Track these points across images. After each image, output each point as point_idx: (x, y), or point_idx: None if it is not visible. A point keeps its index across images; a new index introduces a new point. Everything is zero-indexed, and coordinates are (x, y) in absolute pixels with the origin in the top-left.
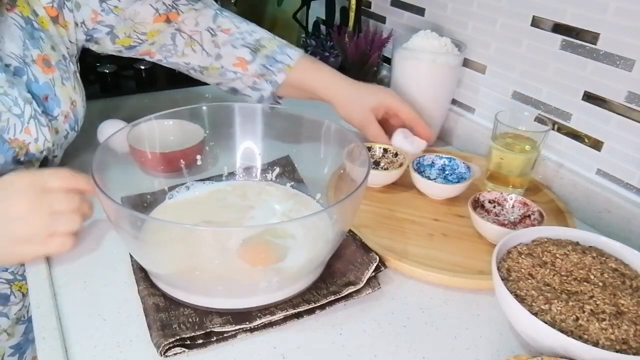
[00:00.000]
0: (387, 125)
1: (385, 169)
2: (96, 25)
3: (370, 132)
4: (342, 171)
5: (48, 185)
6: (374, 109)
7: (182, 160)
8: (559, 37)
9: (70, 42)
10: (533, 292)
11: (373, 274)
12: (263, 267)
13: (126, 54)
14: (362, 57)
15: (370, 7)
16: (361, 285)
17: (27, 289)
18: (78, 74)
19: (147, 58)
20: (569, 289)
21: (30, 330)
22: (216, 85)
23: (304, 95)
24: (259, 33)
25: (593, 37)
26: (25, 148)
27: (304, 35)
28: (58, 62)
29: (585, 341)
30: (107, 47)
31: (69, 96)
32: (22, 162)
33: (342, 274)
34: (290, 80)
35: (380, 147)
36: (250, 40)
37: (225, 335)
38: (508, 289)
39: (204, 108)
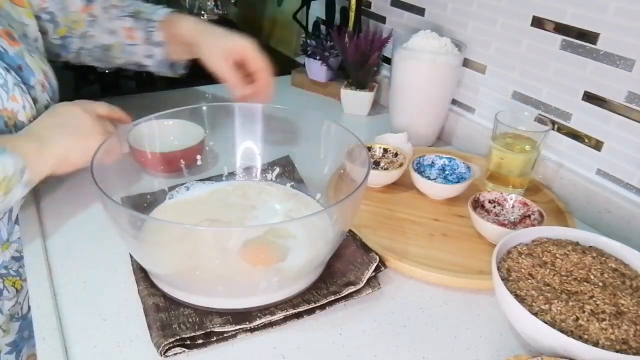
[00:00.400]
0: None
1: (385, 169)
2: (40, 13)
3: (218, 67)
4: (342, 171)
5: (88, 104)
6: (228, 49)
7: (182, 160)
8: (559, 37)
9: (25, 24)
10: (533, 292)
11: (373, 274)
12: (264, 267)
13: (63, 56)
14: (362, 57)
15: (370, 7)
16: (361, 285)
17: (21, 285)
18: (43, 47)
19: (75, 59)
20: (569, 289)
21: (25, 328)
22: (124, 66)
23: (185, 50)
24: (139, 3)
25: (593, 37)
26: (14, 118)
27: (304, 35)
28: (20, 36)
29: (585, 341)
30: (51, 38)
31: (39, 67)
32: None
33: (342, 274)
34: (167, 36)
35: (380, 147)
36: (131, 9)
37: (225, 335)
38: (508, 289)
39: (204, 108)
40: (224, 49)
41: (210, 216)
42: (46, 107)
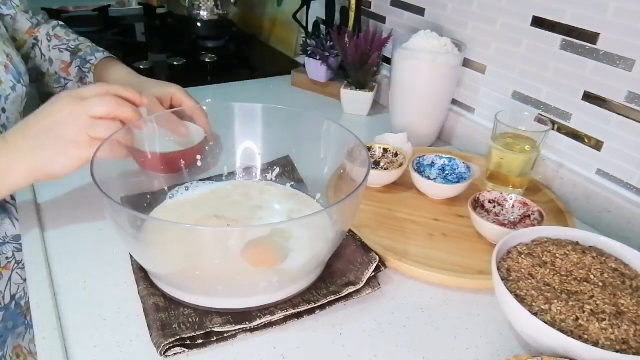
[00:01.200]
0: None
1: (385, 169)
2: None
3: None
4: (342, 171)
5: (86, 95)
6: (159, 98)
7: (182, 161)
8: (559, 37)
9: None
10: (533, 292)
11: (373, 274)
12: (266, 268)
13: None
14: (362, 57)
15: (370, 7)
16: (361, 285)
17: (1, 273)
18: (8, 40)
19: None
20: (569, 289)
21: (9, 318)
22: None
23: None
24: (81, 41)
25: (593, 37)
26: None
27: (304, 35)
28: None
29: (585, 341)
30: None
31: (1, 50)
32: None
33: (342, 274)
34: (97, 79)
35: (380, 147)
36: (72, 45)
37: (225, 335)
38: (508, 289)
39: (204, 108)
40: (156, 98)
41: (217, 213)
42: (12, 89)
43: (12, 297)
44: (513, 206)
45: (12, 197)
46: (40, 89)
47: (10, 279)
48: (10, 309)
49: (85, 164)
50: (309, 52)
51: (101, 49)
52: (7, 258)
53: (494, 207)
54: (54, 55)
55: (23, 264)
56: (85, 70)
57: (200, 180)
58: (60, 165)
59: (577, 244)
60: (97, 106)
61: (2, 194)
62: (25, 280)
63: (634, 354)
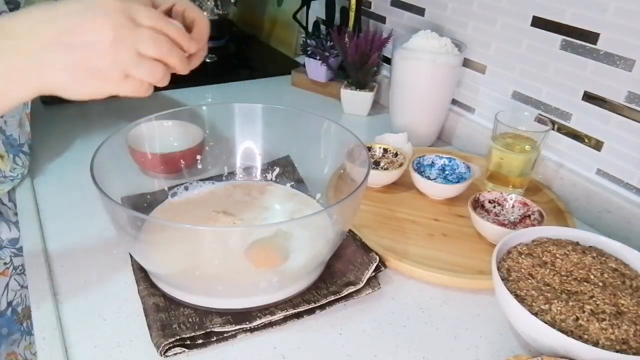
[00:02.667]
0: None
1: (385, 169)
2: None
3: None
4: (342, 171)
5: (139, 20)
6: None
7: (182, 161)
8: (559, 37)
9: None
10: (533, 292)
11: (373, 274)
12: (267, 268)
13: None
14: (362, 57)
15: (370, 7)
16: (361, 285)
17: None
18: None
19: None
20: (569, 289)
21: (4, 325)
22: None
23: None
24: None
25: (593, 37)
26: None
27: (304, 35)
28: None
29: (585, 341)
30: None
31: None
32: None
33: (342, 274)
34: None
35: (380, 147)
36: None
37: (225, 335)
38: (508, 289)
39: (204, 108)
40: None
41: (223, 209)
42: None
43: (9, 303)
44: (513, 206)
45: (10, 200)
46: None
47: (7, 285)
48: (5, 315)
49: (103, 97)
50: (309, 52)
51: None
52: (5, 264)
53: (494, 207)
54: None
55: (21, 269)
56: None
57: (200, 180)
58: (74, 92)
59: (577, 244)
60: (151, 46)
61: (5, 109)
62: (22, 286)
63: (634, 354)
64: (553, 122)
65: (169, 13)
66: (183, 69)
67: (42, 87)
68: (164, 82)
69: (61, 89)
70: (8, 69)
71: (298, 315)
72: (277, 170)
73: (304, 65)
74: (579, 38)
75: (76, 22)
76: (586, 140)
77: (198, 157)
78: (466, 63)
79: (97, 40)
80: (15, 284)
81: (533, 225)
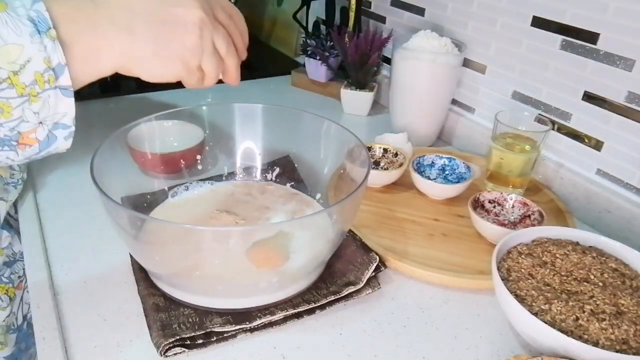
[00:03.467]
0: None
1: (385, 169)
2: None
3: None
4: (342, 171)
5: (216, 14)
6: None
7: (182, 161)
8: (559, 37)
9: None
10: (533, 292)
11: (373, 274)
12: (269, 269)
13: None
14: (362, 57)
15: (370, 7)
16: (361, 285)
17: (15, 293)
18: None
19: None
20: (569, 289)
21: (22, 340)
22: None
23: None
24: None
25: (593, 37)
26: None
27: (304, 35)
28: None
29: (585, 341)
30: None
31: None
32: None
33: (342, 274)
34: None
35: (380, 147)
36: None
37: (225, 335)
38: (508, 289)
39: (204, 108)
40: None
41: (225, 208)
42: None
43: (24, 317)
44: (513, 206)
45: (16, 212)
46: None
47: (22, 298)
48: (22, 330)
49: (169, 81)
50: (309, 52)
51: None
52: (19, 277)
53: (494, 207)
54: None
55: None
56: None
57: (201, 180)
58: (149, 70)
59: (577, 244)
60: (223, 43)
61: (87, 79)
62: None
63: (634, 354)
64: (553, 122)
65: None
66: (234, 78)
67: (124, 62)
68: (212, 83)
69: (139, 65)
70: (99, 36)
71: (298, 315)
72: (277, 170)
73: (304, 65)
74: (579, 38)
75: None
76: (586, 140)
77: (198, 157)
78: (466, 63)
79: (188, 20)
80: (28, 297)
81: (533, 225)
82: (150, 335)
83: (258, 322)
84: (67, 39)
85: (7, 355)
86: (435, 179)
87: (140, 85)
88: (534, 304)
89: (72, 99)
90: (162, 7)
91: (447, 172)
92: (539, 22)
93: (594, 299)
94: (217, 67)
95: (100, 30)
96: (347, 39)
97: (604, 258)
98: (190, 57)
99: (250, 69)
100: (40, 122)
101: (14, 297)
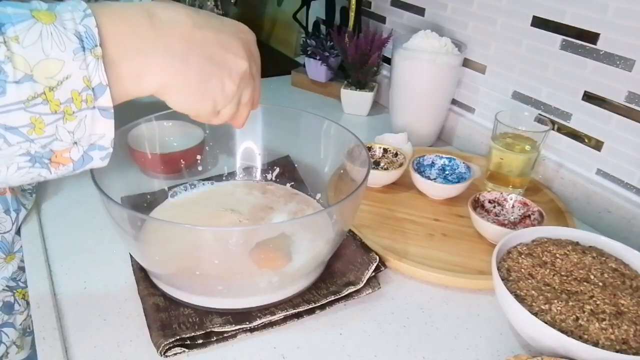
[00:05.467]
0: None
1: (385, 169)
2: None
3: None
4: (342, 171)
5: (253, 49)
6: None
7: (182, 161)
8: (559, 37)
9: None
10: (533, 292)
11: (373, 274)
12: (270, 269)
13: None
14: (362, 57)
15: (370, 7)
16: (361, 285)
17: None
18: None
19: None
20: (569, 289)
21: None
22: None
23: None
24: None
25: (593, 37)
26: None
27: (304, 35)
28: None
29: (585, 341)
30: None
31: None
32: None
33: (342, 274)
34: None
35: (380, 147)
36: None
37: (225, 335)
38: (508, 289)
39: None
40: None
41: (229, 207)
42: None
43: None
44: (513, 206)
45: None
46: None
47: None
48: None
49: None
50: (309, 52)
51: None
52: None
53: (494, 207)
54: None
55: None
56: None
57: (201, 180)
58: (179, 101)
59: (577, 244)
60: (249, 96)
61: (125, 99)
62: None
63: (634, 354)
64: (553, 122)
65: None
66: (241, 124)
67: (165, 87)
68: (219, 123)
69: (177, 93)
70: (149, 59)
71: (298, 315)
72: (277, 170)
73: (304, 65)
74: (579, 38)
75: (227, 40)
76: (586, 140)
77: (198, 157)
78: (466, 63)
79: (233, 68)
80: None
81: (533, 225)
82: (150, 335)
83: (258, 322)
84: (115, 58)
85: (23, 358)
86: (435, 179)
87: None
88: (534, 304)
89: (112, 121)
90: (217, 45)
91: (447, 172)
92: (539, 22)
93: (594, 299)
94: (233, 114)
95: (152, 54)
96: (347, 39)
97: (604, 258)
98: (222, 101)
99: None
100: (75, 142)
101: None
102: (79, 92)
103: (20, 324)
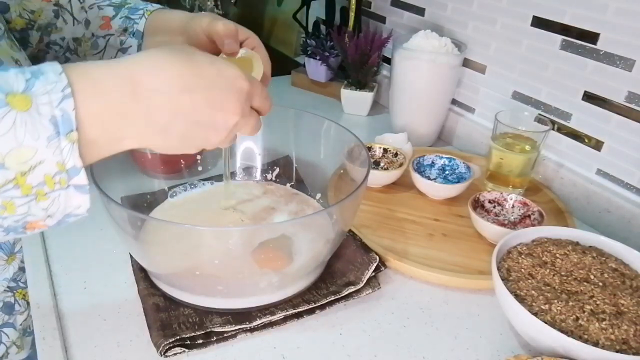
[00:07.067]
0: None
1: (385, 169)
2: None
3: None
4: (342, 171)
5: (253, 103)
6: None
7: (182, 161)
8: (559, 37)
9: None
10: (533, 292)
11: (373, 274)
12: (272, 270)
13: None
14: (362, 57)
15: (370, 7)
16: (361, 285)
17: None
18: (10, 34)
19: (36, 55)
20: (569, 289)
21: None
22: None
23: (166, 42)
24: None
25: (593, 37)
26: None
27: (304, 35)
28: None
29: (585, 341)
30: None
31: (9, 55)
32: None
33: (342, 274)
34: (151, 26)
35: (380, 147)
36: (116, 0)
37: (225, 335)
38: (508, 289)
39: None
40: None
41: (234, 206)
42: None
43: None
44: (513, 206)
45: None
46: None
47: (29, 290)
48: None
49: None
50: (309, 52)
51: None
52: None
53: (494, 207)
54: (91, 15)
55: None
56: (134, 18)
57: (201, 180)
58: (161, 150)
59: (577, 244)
60: (249, 131)
61: (102, 158)
62: None
63: (634, 354)
64: (553, 122)
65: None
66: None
67: (139, 147)
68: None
69: (158, 147)
70: (128, 133)
71: (298, 315)
72: (277, 170)
73: (304, 65)
74: (579, 38)
75: (218, 99)
76: (586, 140)
77: (198, 157)
78: (466, 63)
79: (223, 124)
80: None
81: (533, 225)
82: (150, 335)
83: (258, 322)
84: (92, 137)
85: (23, 358)
86: (435, 179)
87: None
88: (534, 304)
89: (88, 195)
90: (206, 108)
91: (447, 172)
92: (539, 22)
93: (594, 299)
94: (229, 144)
95: (132, 130)
96: (347, 39)
97: (604, 258)
98: (208, 147)
99: None
100: (49, 216)
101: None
102: (52, 176)
103: (21, 324)
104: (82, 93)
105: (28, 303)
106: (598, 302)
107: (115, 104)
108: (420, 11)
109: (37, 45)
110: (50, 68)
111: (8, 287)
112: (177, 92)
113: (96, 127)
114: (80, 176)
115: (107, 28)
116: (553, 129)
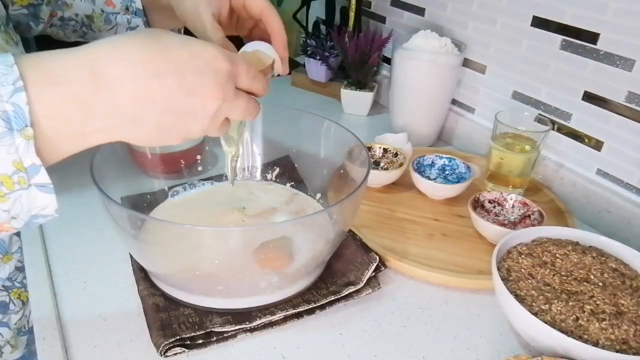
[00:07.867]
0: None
1: (385, 169)
2: None
3: (205, 29)
4: (342, 171)
5: (239, 84)
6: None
7: (182, 161)
8: (559, 37)
9: None
10: (533, 292)
11: (373, 274)
12: (272, 270)
13: (33, 28)
14: (362, 57)
15: (370, 7)
16: (361, 285)
17: (27, 297)
18: (7, 27)
19: (49, 31)
20: (569, 289)
21: (33, 341)
22: None
23: (169, 16)
24: None
25: (593, 37)
26: None
27: (304, 35)
28: None
29: (585, 341)
30: (12, 9)
31: (4, 50)
32: None
33: (342, 274)
34: (147, 3)
35: (380, 147)
36: None
37: (225, 335)
38: (508, 289)
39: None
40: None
41: (236, 205)
42: None
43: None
44: (513, 206)
45: None
46: (86, 40)
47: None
48: (34, 332)
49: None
50: (309, 52)
51: None
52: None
53: (494, 207)
54: None
55: None
56: None
57: (201, 180)
58: (141, 143)
59: (577, 244)
60: (240, 115)
61: (67, 155)
62: None
63: (634, 354)
64: (553, 122)
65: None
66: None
67: (109, 141)
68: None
69: (133, 140)
70: (92, 127)
71: (298, 315)
72: (277, 170)
73: (304, 65)
74: (579, 38)
75: (193, 82)
76: (586, 140)
77: (198, 157)
78: (466, 63)
79: (202, 111)
80: None
81: (533, 225)
82: (150, 335)
83: (258, 322)
84: (50, 135)
85: (17, 357)
86: (435, 179)
87: None
88: (534, 304)
89: (54, 195)
90: (180, 93)
91: (447, 172)
92: (539, 22)
93: (594, 299)
94: (221, 130)
95: (96, 123)
96: (347, 39)
97: (604, 258)
98: (191, 138)
99: None
100: (14, 217)
101: (26, 300)
102: (9, 175)
103: (15, 324)
104: (37, 86)
105: (23, 303)
106: (598, 302)
107: (74, 96)
108: (420, 11)
109: (50, 20)
110: (2, 59)
111: (3, 286)
112: (144, 79)
113: (55, 122)
114: (41, 174)
115: (112, 6)
116: (553, 129)
